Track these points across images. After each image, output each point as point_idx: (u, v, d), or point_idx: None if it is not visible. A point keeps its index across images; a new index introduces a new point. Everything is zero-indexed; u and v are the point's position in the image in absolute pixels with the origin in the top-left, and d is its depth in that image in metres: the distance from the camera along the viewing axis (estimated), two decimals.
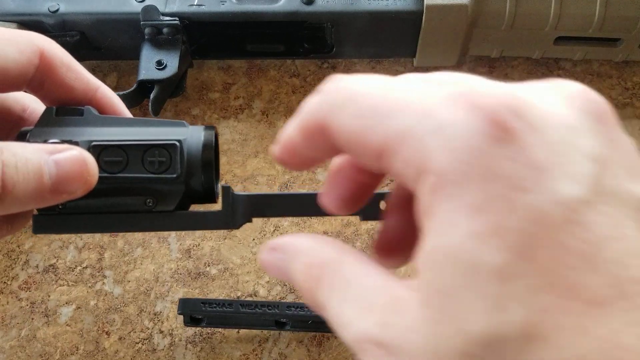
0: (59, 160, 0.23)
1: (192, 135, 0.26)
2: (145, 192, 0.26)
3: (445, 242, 0.16)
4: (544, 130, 0.16)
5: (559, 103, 0.17)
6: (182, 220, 0.27)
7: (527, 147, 0.16)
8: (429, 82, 0.18)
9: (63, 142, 0.25)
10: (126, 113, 0.29)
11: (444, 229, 0.16)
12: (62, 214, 0.26)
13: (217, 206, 0.27)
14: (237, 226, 0.27)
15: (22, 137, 0.26)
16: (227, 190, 0.27)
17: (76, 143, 0.25)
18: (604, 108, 0.18)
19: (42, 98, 0.28)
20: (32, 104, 0.29)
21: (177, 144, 0.25)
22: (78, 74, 0.27)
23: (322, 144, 0.20)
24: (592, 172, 0.16)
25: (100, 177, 0.24)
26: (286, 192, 0.27)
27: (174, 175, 0.25)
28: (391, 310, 0.17)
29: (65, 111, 0.26)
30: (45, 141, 0.25)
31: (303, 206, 0.27)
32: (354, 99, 0.19)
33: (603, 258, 0.15)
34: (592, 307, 0.15)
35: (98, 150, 0.25)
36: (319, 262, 0.19)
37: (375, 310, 0.18)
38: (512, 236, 0.15)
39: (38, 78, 0.26)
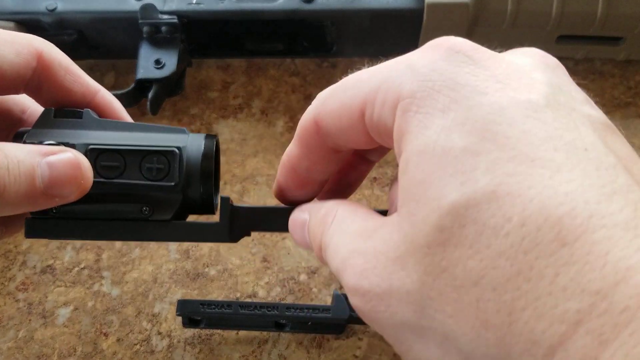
0: (52, 162, 0.23)
1: (192, 143, 0.25)
2: (141, 200, 0.25)
3: (418, 143, 0.18)
4: (500, 61, 0.19)
5: (513, 52, 0.21)
6: (179, 230, 0.26)
7: (485, 67, 0.19)
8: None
9: (59, 144, 0.24)
10: (126, 118, 0.29)
11: (417, 134, 0.18)
12: (56, 218, 0.25)
13: (216, 217, 0.26)
14: (235, 240, 0.27)
15: (18, 137, 0.25)
16: (226, 202, 0.26)
17: (73, 146, 0.24)
18: (555, 60, 0.21)
19: (41, 101, 0.28)
20: (32, 106, 0.29)
21: (177, 151, 0.25)
22: (77, 77, 0.27)
23: (318, 144, 0.23)
24: (546, 90, 0.18)
25: (96, 182, 0.24)
26: (287, 206, 0.27)
27: (172, 184, 0.25)
28: (372, 228, 0.20)
29: (64, 113, 0.26)
30: (40, 142, 0.24)
31: None
32: (336, 88, 0.22)
33: (564, 141, 0.17)
34: (554, 171, 0.16)
35: (95, 154, 0.24)
36: (325, 212, 0.23)
37: (356, 234, 0.20)
38: (476, 124, 0.17)
39: (36, 81, 0.26)
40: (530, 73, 0.19)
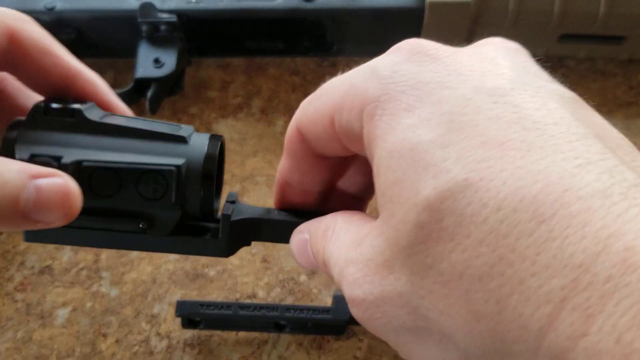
0: (40, 186, 0.21)
1: (192, 158, 0.24)
2: (138, 216, 0.24)
3: (386, 146, 0.18)
4: (462, 55, 0.19)
5: (475, 45, 0.21)
6: (177, 244, 0.25)
7: (447, 64, 0.19)
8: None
9: (52, 158, 0.23)
10: (115, 101, 0.27)
11: (384, 138, 0.18)
12: None
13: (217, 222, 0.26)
14: (233, 252, 0.26)
15: (12, 132, 0.24)
16: (226, 219, 0.25)
17: (65, 166, 0.23)
18: (516, 45, 0.21)
19: (23, 82, 0.26)
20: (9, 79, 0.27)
21: (174, 169, 0.23)
22: (55, 58, 0.25)
23: (304, 153, 0.24)
24: (510, 74, 0.18)
25: (88, 200, 0.23)
26: (289, 217, 0.26)
27: (170, 202, 0.23)
28: (363, 235, 0.20)
29: (55, 111, 0.24)
30: (31, 156, 0.23)
31: None
32: (313, 95, 0.23)
33: (532, 120, 0.17)
34: (525, 152, 0.16)
35: (89, 171, 0.23)
36: (325, 228, 0.23)
37: (350, 243, 0.20)
38: (442, 117, 0.17)
39: (10, 61, 0.24)
40: (494, 59, 0.19)
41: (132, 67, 0.39)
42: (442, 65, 0.19)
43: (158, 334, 0.35)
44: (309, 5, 0.39)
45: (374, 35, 0.41)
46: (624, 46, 0.41)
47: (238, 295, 0.36)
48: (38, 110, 0.24)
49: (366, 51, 0.43)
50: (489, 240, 0.15)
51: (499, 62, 0.19)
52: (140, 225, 0.24)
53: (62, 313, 0.35)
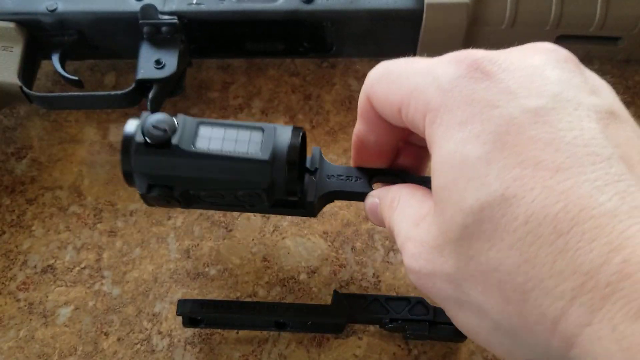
0: None
1: (277, 173, 0.29)
2: (245, 203, 0.31)
3: (443, 153, 0.22)
4: (514, 70, 0.22)
5: (527, 52, 0.23)
6: (276, 211, 0.33)
7: (499, 81, 0.21)
8: (441, 57, 0.24)
9: (167, 187, 0.29)
10: None
11: (441, 145, 0.22)
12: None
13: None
14: (318, 214, 0.33)
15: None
16: (310, 205, 0.32)
17: (176, 197, 0.30)
18: (565, 53, 0.23)
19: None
20: None
21: (265, 187, 0.29)
22: None
23: (377, 118, 0.27)
24: (555, 90, 0.21)
25: (204, 200, 0.31)
26: (363, 183, 0.32)
27: (264, 204, 0.30)
28: (421, 216, 0.24)
29: (154, 144, 0.28)
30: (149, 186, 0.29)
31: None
32: (385, 72, 0.26)
33: (564, 141, 0.19)
34: (554, 172, 0.19)
35: (198, 193, 0.30)
36: (392, 197, 0.27)
37: (411, 220, 0.25)
38: (489, 135, 0.20)
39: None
40: (542, 74, 0.22)
41: (133, 68, 0.40)
42: (495, 83, 0.22)
43: (159, 332, 0.35)
44: (308, 7, 0.39)
45: (373, 36, 0.41)
46: (620, 47, 0.41)
47: (239, 294, 0.36)
48: (140, 145, 0.28)
49: (365, 52, 0.43)
50: (518, 246, 0.19)
51: (546, 76, 0.21)
52: (246, 207, 0.31)
53: (64, 312, 0.36)
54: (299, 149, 0.29)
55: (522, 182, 0.19)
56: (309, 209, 0.32)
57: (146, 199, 0.30)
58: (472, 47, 0.45)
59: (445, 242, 0.22)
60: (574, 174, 0.19)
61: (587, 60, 0.44)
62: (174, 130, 0.29)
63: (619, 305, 0.17)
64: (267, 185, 0.29)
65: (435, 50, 0.41)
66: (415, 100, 0.23)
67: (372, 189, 0.31)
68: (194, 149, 0.28)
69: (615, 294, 0.17)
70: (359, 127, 0.29)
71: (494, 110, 0.21)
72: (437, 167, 0.22)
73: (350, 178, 0.32)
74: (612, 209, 0.18)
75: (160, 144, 0.28)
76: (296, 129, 0.30)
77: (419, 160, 0.31)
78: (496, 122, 0.21)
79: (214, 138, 0.29)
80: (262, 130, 0.29)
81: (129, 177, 0.29)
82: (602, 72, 0.45)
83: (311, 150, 0.32)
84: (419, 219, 0.25)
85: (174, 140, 0.28)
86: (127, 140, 0.29)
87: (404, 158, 0.31)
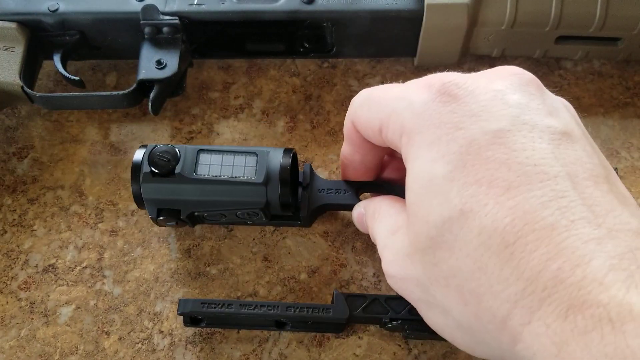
0: None
1: (271, 193, 0.32)
2: (245, 219, 0.35)
3: (414, 172, 0.24)
4: (478, 94, 0.24)
5: (492, 77, 0.25)
6: (273, 223, 0.37)
7: (465, 104, 0.24)
8: (417, 80, 0.27)
9: (169, 210, 0.33)
10: None
11: (413, 164, 0.25)
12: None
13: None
14: (311, 224, 0.38)
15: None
16: (305, 217, 0.35)
17: (182, 219, 0.34)
18: (528, 77, 0.25)
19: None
20: None
21: (262, 207, 0.32)
22: None
23: (361, 140, 0.30)
24: (513, 113, 0.23)
25: (209, 219, 0.35)
26: (351, 195, 0.36)
27: (262, 220, 0.34)
28: (397, 227, 0.27)
29: (160, 173, 0.32)
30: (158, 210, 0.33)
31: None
32: (366, 98, 0.29)
33: (517, 161, 0.22)
34: (505, 190, 0.21)
35: (202, 214, 0.34)
36: (374, 208, 0.30)
37: (388, 230, 0.28)
38: (452, 155, 0.23)
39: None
40: (504, 97, 0.24)
41: (134, 68, 0.40)
42: (461, 106, 0.24)
43: (160, 331, 0.35)
44: (309, 8, 0.39)
45: (374, 37, 0.41)
46: (620, 47, 0.41)
47: (239, 294, 0.36)
48: (148, 175, 0.32)
49: (366, 53, 0.43)
50: (472, 255, 0.22)
51: (507, 100, 0.23)
52: (247, 222, 0.35)
53: (66, 311, 0.36)
54: (289, 170, 0.32)
55: (477, 198, 0.22)
56: (304, 221, 0.36)
57: (157, 221, 0.34)
58: (472, 48, 0.46)
59: (414, 251, 0.25)
60: (523, 191, 0.21)
61: (587, 60, 0.44)
62: (177, 159, 0.32)
63: (552, 307, 0.19)
64: (264, 205, 0.32)
65: (436, 51, 0.42)
66: (393, 123, 0.26)
67: (360, 200, 0.34)
68: (195, 175, 0.32)
69: (550, 297, 0.20)
70: (345, 149, 0.32)
71: (458, 131, 0.23)
72: (409, 185, 0.25)
73: (339, 191, 0.35)
74: (552, 222, 0.20)
75: (165, 173, 0.31)
76: (287, 151, 0.33)
77: (403, 172, 0.33)
78: (459, 143, 0.23)
79: (213, 164, 0.32)
80: (256, 154, 0.32)
81: (139, 201, 0.33)
82: (602, 72, 0.45)
83: (302, 166, 0.36)
84: (395, 229, 0.27)
85: (178, 169, 0.31)
86: (136, 168, 0.32)
87: (389, 171, 0.35)
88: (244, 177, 0.32)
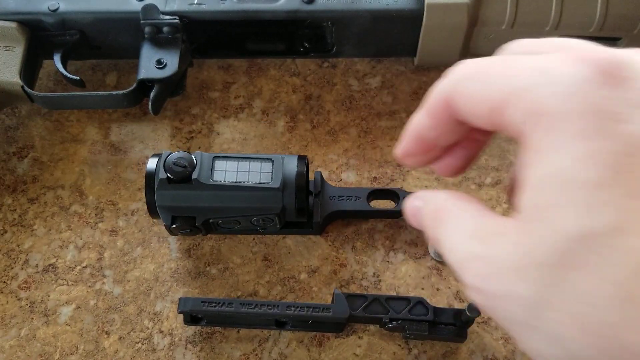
0: None
1: (288, 198, 0.32)
2: (259, 226, 0.35)
3: (547, 167, 0.19)
4: None
5: None
6: (285, 232, 0.37)
7: (628, 90, 0.19)
8: (559, 53, 0.21)
9: (184, 217, 0.33)
10: None
11: (547, 157, 0.19)
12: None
13: None
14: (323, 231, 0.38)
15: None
16: (317, 225, 0.36)
17: (198, 226, 0.34)
18: None
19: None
20: None
21: (278, 212, 0.33)
22: None
23: (447, 117, 0.24)
24: None
25: (223, 227, 0.35)
26: (358, 201, 0.37)
27: (276, 227, 0.35)
28: (489, 232, 0.22)
29: (176, 180, 0.32)
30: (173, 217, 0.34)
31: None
32: (472, 74, 0.23)
33: None
34: None
35: (217, 221, 0.34)
36: (437, 206, 0.24)
37: (471, 235, 0.22)
38: (607, 156, 0.18)
39: None
40: None
41: (134, 68, 0.40)
42: (621, 94, 0.19)
43: (160, 331, 0.35)
44: (309, 8, 0.39)
45: (374, 36, 0.41)
46: (620, 47, 0.41)
47: (239, 293, 0.36)
48: (163, 182, 0.32)
49: (366, 52, 0.43)
50: (619, 283, 0.18)
51: None
52: (258, 229, 0.36)
53: (66, 311, 0.36)
54: (305, 176, 0.32)
55: (635, 214, 0.17)
56: (316, 228, 0.36)
57: (170, 229, 0.34)
58: (472, 47, 0.45)
59: (530, 264, 0.20)
60: None
61: None
62: (193, 166, 0.32)
63: None
64: (279, 210, 0.32)
65: (436, 50, 0.42)
66: (521, 101, 0.20)
67: (370, 207, 0.32)
68: (212, 181, 0.32)
69: None
70: (423, 122, 0.26)
71: (618, 125, 0.18)
72: (536, 183, 0.20)
73: (350, 198, 0.35)
74: None
75: (182, 179, 0.31)
76: (301, 158, 0.33)
77: (463, 159, 0.28)
78: (618, 140, 0.18)
79: (229, 171, 0.32)
80: (272, 161, 0.33)
81: (153, 209, 0.33)
82: None
83: (313, 174, 0.36)
84: (486, 235, 0.22)
85: (194, 175, 0.31)
86: (150, 177, 0.32)
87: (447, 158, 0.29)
88: (260, 183, 0.32)
